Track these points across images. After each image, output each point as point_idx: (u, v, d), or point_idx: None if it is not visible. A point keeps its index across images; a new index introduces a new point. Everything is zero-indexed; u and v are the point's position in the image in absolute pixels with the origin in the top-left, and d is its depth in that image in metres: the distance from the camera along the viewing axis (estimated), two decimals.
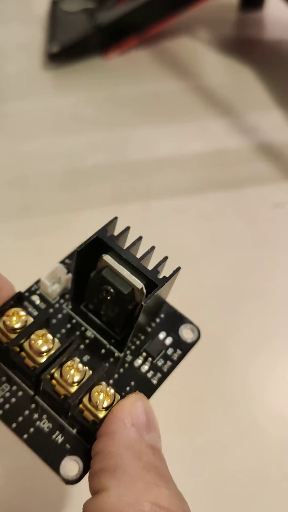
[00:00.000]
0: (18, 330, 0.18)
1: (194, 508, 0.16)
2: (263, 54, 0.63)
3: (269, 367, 0.33)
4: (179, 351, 0.20)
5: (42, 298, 0.21)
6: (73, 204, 0.43)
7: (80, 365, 0.17)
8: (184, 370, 0.21)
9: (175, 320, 0.21)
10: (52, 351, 0.17)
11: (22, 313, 0.18)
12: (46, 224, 0.41)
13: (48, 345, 0.17)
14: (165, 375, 0.20)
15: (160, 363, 0.20)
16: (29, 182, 0.45)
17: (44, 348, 0.17)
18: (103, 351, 0.20)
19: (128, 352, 0.20)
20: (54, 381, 0.17)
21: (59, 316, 0.20)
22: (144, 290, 0.18)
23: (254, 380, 0.32)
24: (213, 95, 0.56)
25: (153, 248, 0.19)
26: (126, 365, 0.20)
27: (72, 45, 0.58)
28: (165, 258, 0.19)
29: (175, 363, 0.20)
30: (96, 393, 0.17)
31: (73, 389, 0.17)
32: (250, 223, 0.42)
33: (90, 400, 0.17)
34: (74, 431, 0.18)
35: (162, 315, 0.21)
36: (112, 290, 0.18)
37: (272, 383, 0.32)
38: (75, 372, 0.17)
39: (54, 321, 0.20)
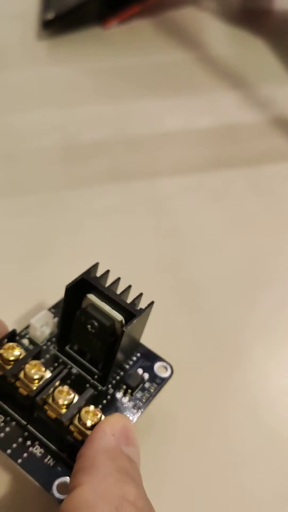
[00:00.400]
0: (13, 362, 0.20)
1: None
2: (274, 24, 0.58)
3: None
4: (155, 385, 0.23)
5: (31, 341, 0.24)
6: (70, 182, 0.39)
7: (70, 391, 0.20)
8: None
9: (149, 358, 0.24)
10: (45, 378, 0.20)
11: (17, 347, 0.21)
12: (39, 204, 0.36)
13: (41, 373, 0.20)
14: (143, 406, 0.22)
15: (139, 395, 0.23)
16: (20, 157, 0.40)
17: (37, 376, 0.20)
18: (87, 385, 0.23)
19: (110, 386, 0.23)
20: (46, 406, 0.19)
21: (47, 356, 0.23)
22: (124, 322, 0.21)
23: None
24: (222, 67, 0.51)
25: (129, 286, 0.22)
26: (109, 397, 0.22)
27: (68, 12, 0.53)
28: (140, 294, 0.22)
29: (152, 395, 0.23)
30: (85, 413, 0.19)
31: (64, 411, 0.19)
32: (269, 202, 0.38)
33: (80, 420, 0.19)
34: (65, 455, 0.20)
35: (138, 354, 0.24)
36: (96, 323, 0.21)
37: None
38: (66, 395, 0.19)
39: (42, 360, 0.23)
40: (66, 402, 0.19)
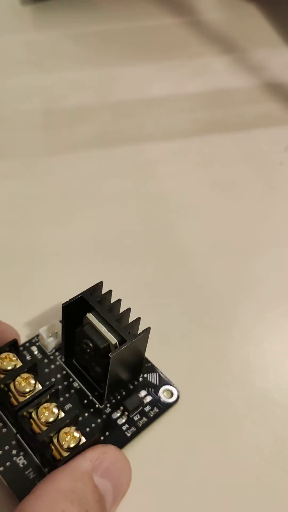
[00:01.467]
0: (7, 372, 0.20)
1: None
2: None
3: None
4: (156, 409, 0.22)
5: (40, 349, 0.24)
6: (54, 147, 0.37)
7: (55, 409, 0.19)
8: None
9: (157, 380, 0.23)
10: (33, 393, 0.20)
11: (14, 358, 0.21)
12: (22, 168, 0.35)
13: (30, 387, 0.20)
14: (139, 430, 0.22)
15: (136, 418, 0.22)
16: (2, 121, 0.39)
17: (26, 390, 0.20)
18: (85, 401, 0.22)
19: (108, 404, 0.22)
20: (31, 420, 0.19)
21: (52, 366, 0.23)
22: (118, 345, 0.20)
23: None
24: (212, 31, 0.49)
25: (129, 309, 0.22)
26: (105, 416, 0.22)
27: None
28: (138, 319, 0.21)
29: (150, 420, 0.22)
30: (64, 434, 0.19)
31: (44, 428, 0.19)
32: (259, 167, 0.36)
33: (58, 440, 0.19)
34: (46, 470, 0.20)
35: (145, 375, 0.23)
36: (91, 344, 0.21)
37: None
38: (49, 414, 0.19)
39: (46, 370, 0.23)
40: (51, 419, 0.19)
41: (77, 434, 0.19)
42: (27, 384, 0.20)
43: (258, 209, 0.33)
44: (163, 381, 0.23)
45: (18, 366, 0.20)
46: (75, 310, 0.21)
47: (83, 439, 0.19)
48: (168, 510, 0.21)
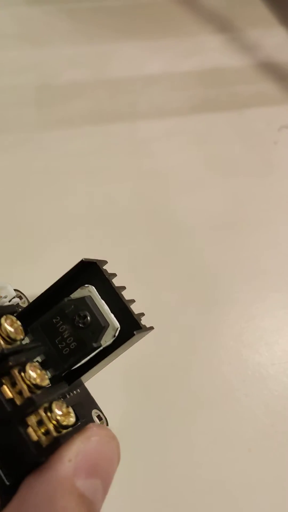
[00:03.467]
0: None
1: None
2: None
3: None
4: None
5: None
6: (48, 123, 0.37)
7: (45, 374, 0.14)
8: None
9: (88, 401, 0.19)
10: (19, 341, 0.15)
11: None
12: (14, 143, 0.35)
13: (19, 334, 0.15)
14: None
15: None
16: None
17: (13, 332, 0.14)
18: None
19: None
20: (4, 380, 0.14)
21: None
22: (117, 333, 0.17)
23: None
24: (207, 10, 0.49)
25: (134, 301, 0.18)
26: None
27: None
28: (141, 314, 0.18)
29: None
30: (56, 408, 0.13)
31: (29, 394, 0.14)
32: (254, 146, 0.36)
33: (51, 411, 0.13)
34: (8, 483, 0.14)
35: (78, 390, 0.18)
36: (89, 318, 0.17)
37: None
38: (38, 375, 0.14)
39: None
40: (43, 383, 0.14)
41: (70, 411, 0.14)
42: (15, 328, 0.15)
43: (252, 187, 0.34)
44: (93, 404, 0.19)
45: None
46: (75, 275, 0.17)
47: (72, 416, 0.13)
48: (163, 485, 0.21)
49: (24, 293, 0.24)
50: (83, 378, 0.18)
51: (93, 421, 0.17)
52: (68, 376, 0.17)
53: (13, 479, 0.13)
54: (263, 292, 0.28)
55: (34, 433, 0.13)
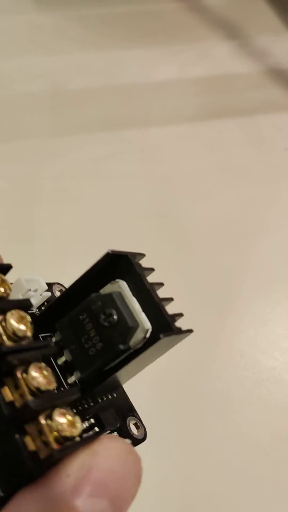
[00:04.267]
0: None
1: None
2: None
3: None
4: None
5: None
6: (61, 129, 0.37)
7: (51, 376, 0.13)
8: None
9: (125, 407, 0.17)
10: (27, 338, 0.13)
11: (5, 284, 0.14)
12: (27, 150, 0.35)
13: (27, 331, 0.13)
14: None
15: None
16: (6, 103, 0.38)
17: (22, 327, 0.13)
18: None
19: (74, 410, 0.15)
20: (6, 380, 0.13)
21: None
22: (148, 335, 0.15)
23: None
24: (216, 16, 0.49)
25: (172, 299, 0.16)
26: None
27: None
28: (180, 314, 0.15)
29: None
30: (60, 415, 0.12)
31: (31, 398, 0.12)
32: (264, 152, 0.37)
33: (51, 418, 0.12)
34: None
35: (114, 394, 0.17)
36: (115, 316, 0.15)
37: None
38: (43, 378, 0.12)
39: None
40: (46, 387, 0.12)
41: (77, 422, 0.12)
42: (22, 323, 0.13)
43: (263, 193, 0.34)
44: (131, 411, 0.17)
45: (10, 297, 0.14)
46: (103, 269, 0.16)
47: (77, 424, 0.12)
48: (180, 488, 0.21)
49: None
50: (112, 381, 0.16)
51: (127, 429, 0.16)
52: (93, 379, 0.16)
53: (8, 490, 0.12)
54: (277, 297, 0.28)
55: (32, 443, 0.12)
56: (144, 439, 0.17)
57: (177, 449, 0.22)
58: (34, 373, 0.12)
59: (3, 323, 0.13)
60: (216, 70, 0.44)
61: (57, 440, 0.11)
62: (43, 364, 0.13)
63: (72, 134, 0.37)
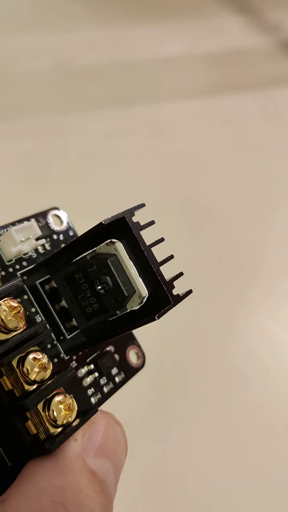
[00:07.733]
0: None
1: None
2: None
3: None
4: (122, 374, 0.17)
5: None
6: (68, 106, 0.36)
7: (48, 363, 0.13)
8: None
9: (125, 337, 0.18)
10: (19, 331, 0.13)
11: None
12: (36, 127, 0.34)
13: (18, 322, 0.13)
14: (104, 397, 0.16)
15: (103, 381, 0.17)
16: (13, 80, 0.38)
17: (13, 324, 0.13)
18: (48, 345, 0.16)
19: (74, 357, 0.16)
20: (3, 369, 0.13)
21: (6, 284, 0.15)
22: (144, 300, 0.15)
23: None
24: None
25: (171, 256, 0.15)
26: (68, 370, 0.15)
27: None
28: (180, 274, 0.15)
29: (117, 386, 0.17)
30: (58, 403, 0.13)
31: (31, 388, 0.13)
32: (279, 126, 0.36)
33: (48, 408, 0.13)
34: (10, 463, 0.14)
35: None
36: (110, 283, 0.15)
37: None
38: (40, 368, 0.13)
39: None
40: (38, 377, 0.13)
41: (73, 406, 0.13)
42: (15, 316, 0.13)
43: (279, 167, 0.33)
44: (132, 341, 0.18)
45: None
46: (99, 232, 0.15)
47: (73, 413, 0.13)
48: (203, 462, 0.21)
49: None
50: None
51: (126, 361, 0.17)
52: (93, 335, 0.16)
53: (15, 461, 0.13)
54: None
55: (32, 427, 0.13)
56: (142, 366, 0.17)
57: (195, 421, 0.22)
58: (32, 368, 0.13)
59: None
60: (228, 45, 0.43)
61: (59, 425, 0.13)
62: (36, 353, 0.13)
63: (79, 111, 0.36)
